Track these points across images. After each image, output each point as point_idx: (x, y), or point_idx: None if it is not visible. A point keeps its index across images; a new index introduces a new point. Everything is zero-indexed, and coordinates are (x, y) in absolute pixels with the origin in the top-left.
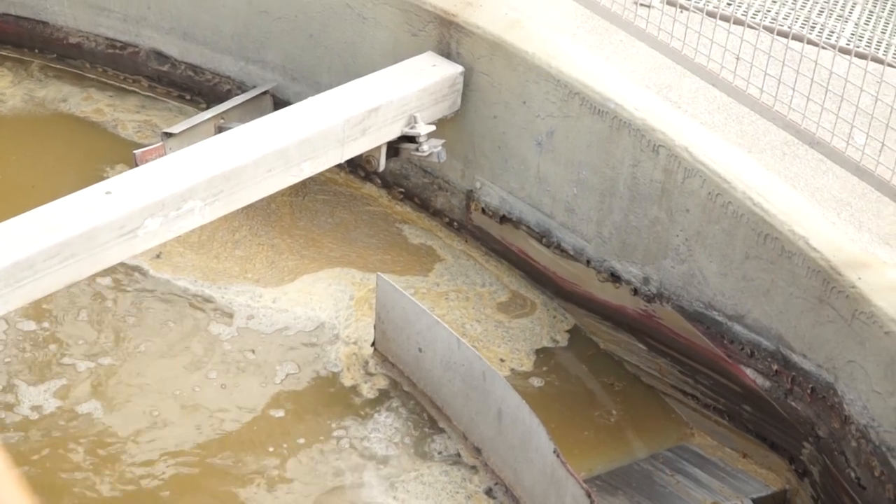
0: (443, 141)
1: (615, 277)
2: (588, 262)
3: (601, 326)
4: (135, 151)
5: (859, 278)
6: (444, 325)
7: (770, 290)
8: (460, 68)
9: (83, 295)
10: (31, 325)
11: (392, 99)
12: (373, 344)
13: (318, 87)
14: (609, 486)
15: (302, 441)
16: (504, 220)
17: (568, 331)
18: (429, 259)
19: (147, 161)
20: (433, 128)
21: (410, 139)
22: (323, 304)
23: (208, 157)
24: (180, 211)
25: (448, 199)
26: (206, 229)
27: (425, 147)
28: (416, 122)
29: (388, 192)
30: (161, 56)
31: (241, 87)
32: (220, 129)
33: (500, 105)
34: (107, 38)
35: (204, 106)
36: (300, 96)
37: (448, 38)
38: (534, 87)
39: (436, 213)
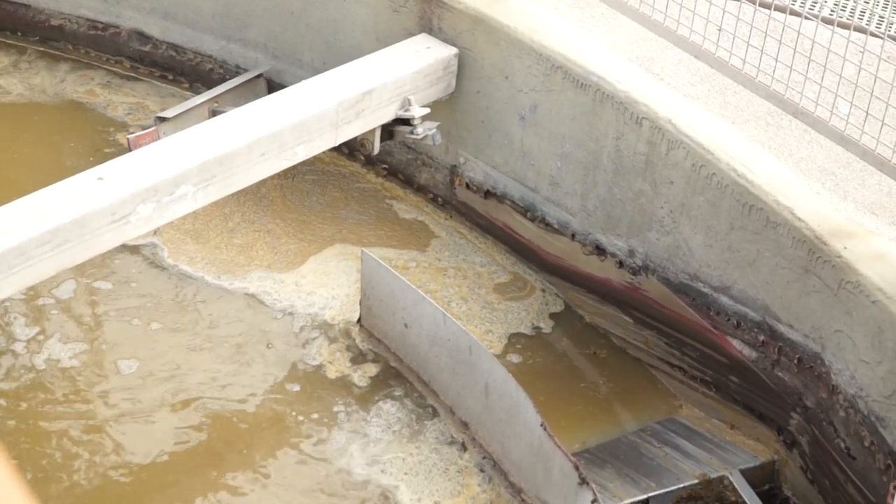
0: (437, 123)
1: (600, 250)
2: (573, 235)
3: (587, 300)
4: (128, 136)
5: (845, 248)
6: (430, 300)
7: (755, 261)
8: (455, 50)
9: (117, 298)
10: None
11: (386, 82)
12: (359, 320)
13: (299, 65)
14: (597, 458)
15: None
16: (488, 194)
17: (552, 315)
18: (423, 235)
19: (140, 146)
20: (428, 110)
21: (405, 122)
22: (340, 281)
23: (201, 141)
24: (173, 196)
25: (432, 175)
26: (198, 218)
27: (420, 130)
28: (410, 105)
29: (373, 168)
30: (142, 36)
31: (223, 66)
32: (214, 113)
33: (483, 80)
34: (88, 20)
35: (186, 86)
36: (282, 74)
37: (430, 13)
38: (516, 61)
39: (420, 189)
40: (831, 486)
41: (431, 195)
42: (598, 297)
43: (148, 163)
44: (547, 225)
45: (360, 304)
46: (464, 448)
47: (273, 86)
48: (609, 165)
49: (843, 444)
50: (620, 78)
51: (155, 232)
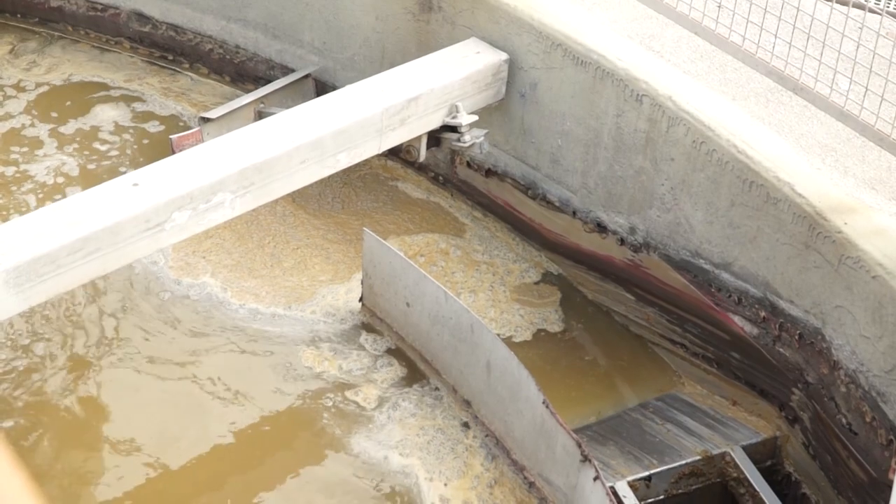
0: (485, 131)
1: (601, 228)
2: (574, 213)
3: (588, 277)
4: (171, 137)
5: (845, 223)
6: (431, 278)
7: (756, 237)
8: (505, 56)
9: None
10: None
11: (433, 87)
12: (360, 299)
13: (300, 45)
14: (599, 436)
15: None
16: (489, 173)
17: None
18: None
19: (183, 146)
20: (475, 118)
21: (452, 129)
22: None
23: (240, 147)
24: (209, 204)
25: (433, 154)
26: (224, 250)
27: (467, 137)
28: (458, 112)
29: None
30: (142, 17)
31: (223, 47)
32: (259, 114)
33: None
34: (87, 1)
35: (186, 66)
36: (283, 54)
37: None
38: (516, 39)
39: (421, 168)
40: (833, 461)
41: (433, 174)
42: (599, 274)
43: (184, 169)
44: (548, 203)
45: (362, 283)
46: (467, 427)
47: (274, 65)
48: (610, 143)
49: (844, 420)
50: (621, 55)
51: (211, 274)
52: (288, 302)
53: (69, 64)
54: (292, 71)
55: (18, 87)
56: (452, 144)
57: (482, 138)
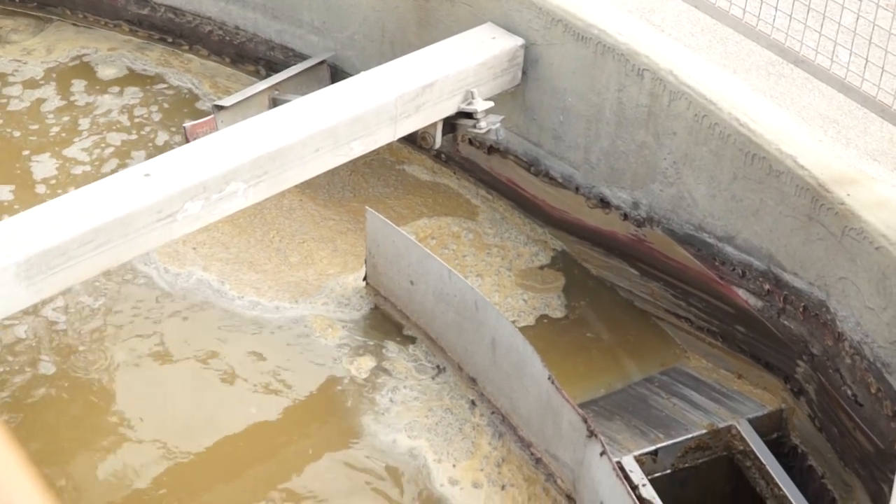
0: (501, 117)
1: (604, 203)
2: (577, 188)
3: (592, 253)
4: (185, 125)
5: (848, 194)
6: (435, 256)
7: (759, 210)
8: (521, 41)
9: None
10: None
11: (448, 74)
12: (364, 278)
13: (299, 25)
14: (605, 411)
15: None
16: (492, 150)
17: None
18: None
19: (197, 134)
20: (491, 104)
21: (468, 115)
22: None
23: (253, 136)
24: (222, 193)
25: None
26: (231, 248)
27: (483, 124)
28: (473, 98)
29: None
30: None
31: (222, 28)
32: (274, 101)
33: None
34: None
35: (186, 48)
36: (282, 34)
37: None
38: (516, 15)
39: (420, 146)
40: (839, 433)
41: (435, 152)
42: (603, 249)
43: (197, 158)
44: (551, 179)
45: (366, 262)
46: (474, 405)
47: (274, 46)
48: (611, 118)
49: (849, 392)
50: (621, 30)
51: (204, 268)
52: (294, 296)
53: (66, 43)
54: (292, 51)
55: (16, 70)
56: (468, 131)
57: (498, 125)
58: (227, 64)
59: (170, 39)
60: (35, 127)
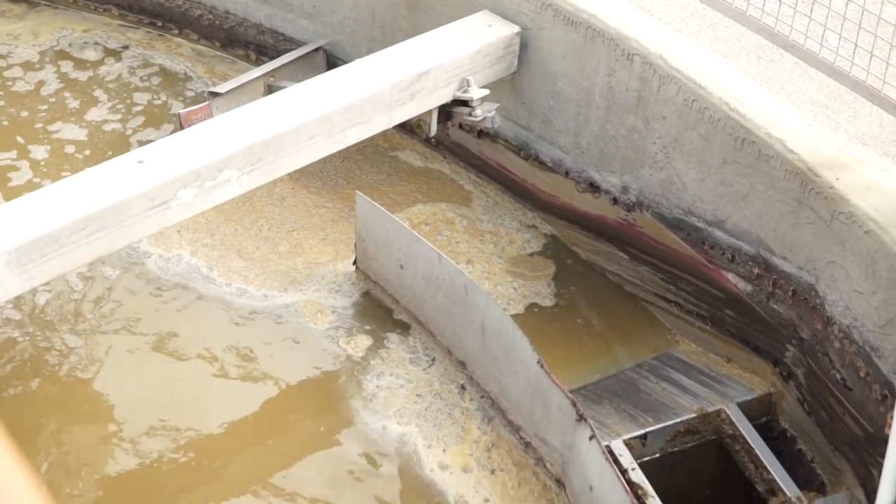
0: (497, 105)
1: (594, 187)
2: (567, 173)
3: (582, 237)
4: (179, 112)
5: (837, 179)
6: (425, 240)
7: (749, 194)
8: (517, 28)
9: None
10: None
11: (443, 62)
12: (354, 262)
13: (289, 9)
14: (594, 395)
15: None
16: (482, 134)
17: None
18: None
19: (192, 121)
20: (487, 92)
21: (463, 103)
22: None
23: (247, 123)
24: (216, 181)
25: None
26: (216, 235)
27: (478, 112)
28: (469, 86)
29: None
30: None
31: (212, 12)
32: (269, 88)
33: None
34: None
35: (176, 32)
36: (272, 19)
37: None
38: (506, 0)
39: (412, 131)
40: (828, 417)
41: (425, 136)
42: (593, 234)
43: (190, 146)
44: (540, 163)
45: (356, 246)
46: (463, 389)
47: (264, 30)
48: (601, 102)
49: (838, 376)
50: (611, 14)
51: (192, 254)
52: (284, 285)
53: (54, 26)
54: (282, 35)
55: (6, 54)
56: (464, 119)
57: (494, 112)
58: (216, 48)
59: (159, 24)
60: (44, 107)
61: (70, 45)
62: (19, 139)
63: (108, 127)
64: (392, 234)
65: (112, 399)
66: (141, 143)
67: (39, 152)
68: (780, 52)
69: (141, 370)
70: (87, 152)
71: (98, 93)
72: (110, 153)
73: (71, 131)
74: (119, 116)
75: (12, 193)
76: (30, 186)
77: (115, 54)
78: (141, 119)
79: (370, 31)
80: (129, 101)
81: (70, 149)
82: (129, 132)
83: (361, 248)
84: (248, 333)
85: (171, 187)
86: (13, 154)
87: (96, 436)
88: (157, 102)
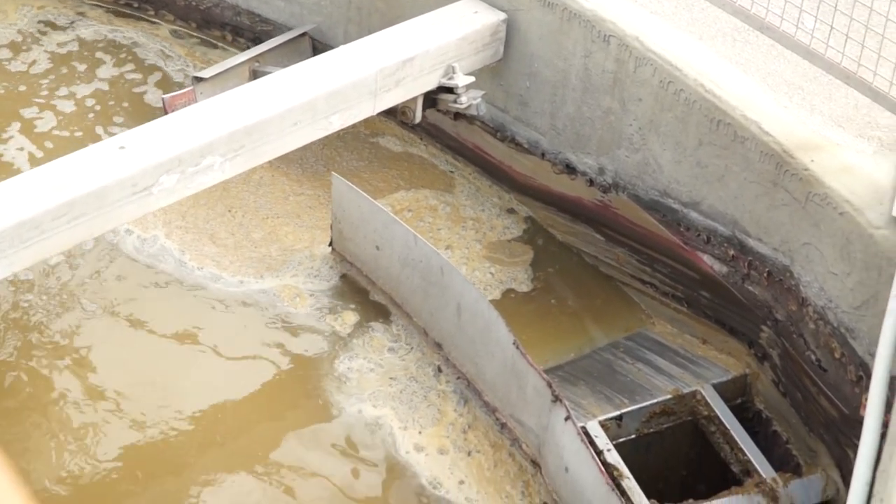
0: (482, 92)
1: (570, 169)
2: (543, 154)
3: (558, 218)
4: (163, 96)
5: (812, 160)
6: (401, 222)
7: (724, 176)
8: (503, 15)
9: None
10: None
11: (429, 48)
12: (330, 244)
13: None
14: (570, 376)
15: None
16: (458, 116)
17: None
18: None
19: (176, 107)
20: (472, 79)
21: (448, 90)
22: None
23: (230, 109)
24: (198, 167)
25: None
26: (190, 220)
27: (464, 99)
28: (454, 73)
29: None
30: None
31: None
32: (254, 73)
33: None
34: None
35: (152, 13)
36: (249, 0)
37: None
38: None
39: (389, 113)
40: (803, 398)
41: (410, 123)
42: (569, 215)
43: (173, 131)
44: (517, 145)
45: (332, 227)
46: (439, 371)
47: (241, 11)
48: (577, 84)
49: (813, 357)
50: None
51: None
52: (259, 272)
53: (18, 3)
54: (258, 17)
55: None
56: (449, 106)
57: (479, 100)
58: (192, 29)
59: (135, 5)
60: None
61: (42, 22)
62: None
63: (82, 110)
64: (368, 215)
65: (84, 383)
66: (118, 129)
67: (16, 135)
68: (755, 34)
69: (117, 352)
70: (65, 134)
71: (71, 74)
72: (80, 134)
73: (46, 114)
74: (95, 101)
75: None
76: (9, 171)
77: (77, 31)
78: (114, 103)
79: (347, 12)
80: (104, 85)
81: (45, 135)
82: (102, 118)
83: (337, 229)
84: (223, 318)
85: (153, 173)
86: None
87: (70, 420)
88: (132, 85)
